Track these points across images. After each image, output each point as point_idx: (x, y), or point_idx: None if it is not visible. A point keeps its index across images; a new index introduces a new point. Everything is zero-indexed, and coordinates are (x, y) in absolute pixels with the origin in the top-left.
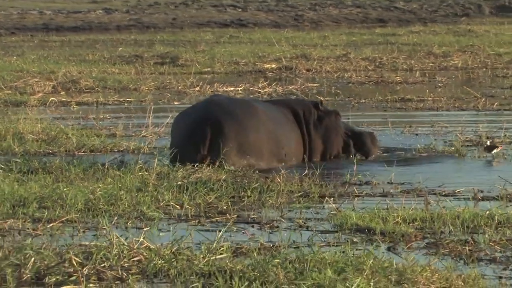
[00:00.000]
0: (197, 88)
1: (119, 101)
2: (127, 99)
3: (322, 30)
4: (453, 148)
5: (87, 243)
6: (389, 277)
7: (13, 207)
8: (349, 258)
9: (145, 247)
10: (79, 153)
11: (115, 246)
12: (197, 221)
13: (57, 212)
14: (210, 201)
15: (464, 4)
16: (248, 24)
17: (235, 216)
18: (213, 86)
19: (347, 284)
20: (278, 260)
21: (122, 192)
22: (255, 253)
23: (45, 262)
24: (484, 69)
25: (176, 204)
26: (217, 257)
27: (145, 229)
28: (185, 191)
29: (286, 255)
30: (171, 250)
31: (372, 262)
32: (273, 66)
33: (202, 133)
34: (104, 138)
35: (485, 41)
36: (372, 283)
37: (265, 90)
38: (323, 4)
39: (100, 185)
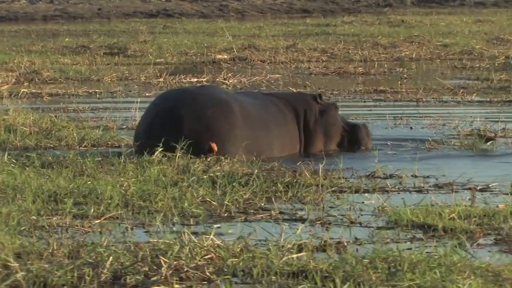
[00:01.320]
0: (161, 79)
1: (89, 92)
2: (96, 90)
3: (249, 20)
4: (466, 142)
5: (154, 240)
6: (487, 277)
7: (45, 203)
8: (439, 257)
9: (214, 245)
10: (81, 147)
11: (187, 244)
12: (243, 218)
13: (95, 208)
14: (245, 197)
15: None
16: (174, 14)
17: (277, 212)
18: (176, 77)
19: (456, 286)
20: (367, 260)
21: (154, 187)
22: (331, 251)
23: (121, 261)
24: (438, 60)
25: (212, 200)
26: (298, 255)
27: (215, 226)
28: (217, 186)
29: (377, 253)
30: (240, 248)
31: (460, 262)
32: (225, 56)
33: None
34: (103, 132)
35: (424, 31)
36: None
37: (230, 81)
38: None
39: (128, 180)
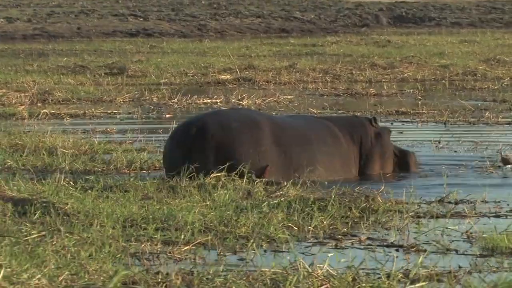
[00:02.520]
0: (175, 100)
1: (107, 113)
2: (114, 111)
3: (228, 40)
4: None
5: (266, 270)
6: None
7: (124, 229)
8: None
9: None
10: (129, 171)
11: (301, 273)
12: (334, 244)
13: (178, 234)
14: (325, 222)
15: (361, 14)
16: (154, 33)
17: (365, 238)
18: (188, 98)
19: None
20: None
21: (229, 212)
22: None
23: None
24: (443, 81)
25: (294, 225)
26: (416, 285)
27: (329, 254)
28: (295, 211)
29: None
30: (352, 277)
31: None
32: (228, 77)
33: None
34: (147, 155)
35: (414, 51)
36: None
37: (244, 102)
38: (223, 14)
39: (197, 204)
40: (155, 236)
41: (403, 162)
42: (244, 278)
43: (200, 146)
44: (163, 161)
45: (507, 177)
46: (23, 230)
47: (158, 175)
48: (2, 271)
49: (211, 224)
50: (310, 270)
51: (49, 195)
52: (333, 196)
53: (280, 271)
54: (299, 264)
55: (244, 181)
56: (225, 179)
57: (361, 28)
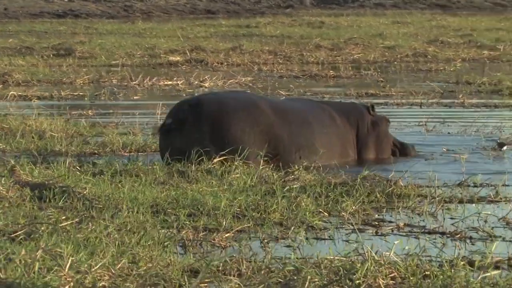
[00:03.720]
0: (136, 82)
1: (73, 95)
2: (80, 93)
3: (155, 21)
4: None
5: (330, 257)
6: None
7: (154, 214)
8: None
9: (392, 262)
10: (125, 153)
11: (370, 261)
12: (374, 231)
13: (211, 221)
14: (354, 207)
15: None
16: (81, 14)
17: (403, 224)
18: (148, 79)
19: None
20: None
21: (255, 197)
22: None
23: (314, 280)
24: (395, 62)
25: (324, 211)
26: (492, 273)
27: (396, 242)
28: (321, 197)
29: None
30: (415, 264)
31: None
32: (178, 58)
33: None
34: (140, 137)
35: (352, 33)
36: None
37: (206, 84)
38: None
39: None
40: (187, 222)
41: (403, 154)
42: (315, 266)
43: (195, 122)
44: (159, 140)
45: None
46: (51, 216)
47: (157, 158)
48: (69, 262)
49: (242, 210)
50: (377, 258)
51: (65, 179)
52: (358, 181)
53: (346, 259)
54: (367, 252)
55: (253, 165)
56: (230, 163)
57: (285, 9)
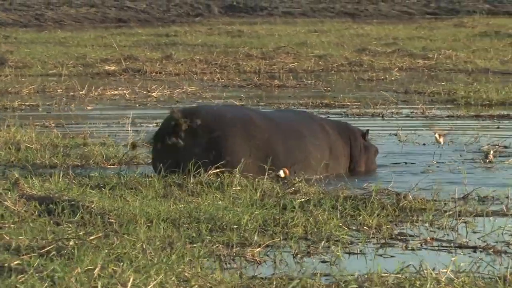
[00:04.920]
0: (83, 92)
1: (25, 105)
2: (32, 104)
3: (67, 30)
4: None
5: (387, 274)
6: None
7: (175, 229)
8: None
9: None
10: (108, 165)
11: (429, 279)
12: (404, 245)
13: (236, 235)
14: (374, 222)
15: (193, 4)
16: None
17: (430, 238)
18: (97, 89)
19: None
20: None
21: (272, 211)
22: None
23: None
24: (332, 71)
25: (347, 226)
26: None
27: (452, 259)
28: (337, 210)
29: None
30: (470, 282)
31: None
32: (114, 67)
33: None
34: (122, 149)
35: (275, 41)
36: None
37: (153, 94)
38: (57, 3)
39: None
40: (210, 237)
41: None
42: (372, 284)
43: (192, 134)
44: (152, 151)
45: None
46: (69, 231)
47: (146, 169)
48: (130, 280)
49: (264, 225)
50: (434, 275)
51: (68, 193)
52: (373, 195)
53: (401, 276)
54: (425, 269)
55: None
56: (226, 176)
57: (195, 17)
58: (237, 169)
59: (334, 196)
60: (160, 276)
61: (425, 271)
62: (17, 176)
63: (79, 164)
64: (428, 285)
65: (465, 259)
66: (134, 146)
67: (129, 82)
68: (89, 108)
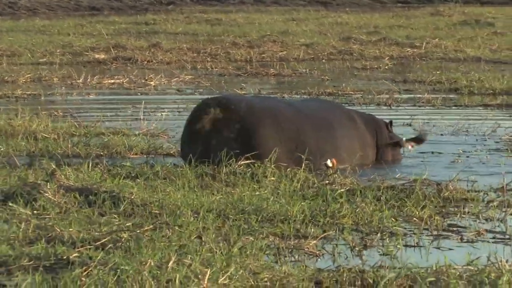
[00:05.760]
0: (80, 80)
1: (27, 94)
2: (33, 93)
3: (42, 18)
4: None
5: (458, 266)
6: None
7: (224, 221)
8: None
9: None
10: (131, 155)
11: (504, 271)
12: (459, 237)
13: (287, 227)
14: (420, 213)
15: None
16: None
17: (483, 230)
18: (93, 77)
19: None
20: None
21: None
22: None
23: None
24: (323, 60)
25: (393, 218)
26: None
27: None
28: (382, 202)
29: None
30: None
31: None
32: (104, 56)
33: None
34: (143, 138)
35: (257, 30)
36: None
37: (151, 83)
38: None
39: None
40: (257, 228)
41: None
42: (443, 275)
43: (223, 124)
44: (182, 139)
45: None
46: (116, 223)
47: (172, 159)
48: (207, 273)
49: (314, 216)
50: (508, 267)
51: (105, 184)
52: (417, 185)
53: (473, 268)
54: (500, 262)
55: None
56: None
57: (167, 5)
58: (269, 159)
59: (375, 186)
60: (231, 269)
61: (499, 263)
62: (54, 166)
63: (101, 154)
64: (504, 278)
65: None
66: None
67: (122, 70)
68: (91, 96)
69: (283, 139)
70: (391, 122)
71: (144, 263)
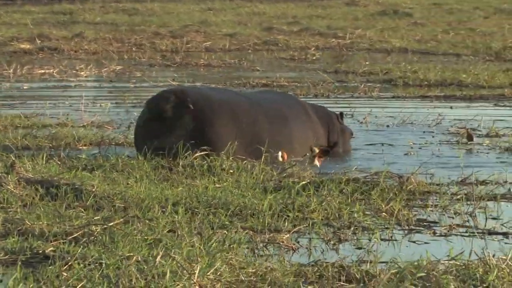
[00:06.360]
0: (10, 71)
1: None
2: None
3: None
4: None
5: (444, 261)
6: None
7: (192, 215)
8: None
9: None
10: (80, 146)
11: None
12: (431, 232)
13: (259, 222)
14: (386, 207)
15: None
16: None
17: (454, 224)
18: (22, 67)
19: None
20: None
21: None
22: None
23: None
24: (249, 50)
25: (363, 212)
26: None
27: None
28: (345, 195)
29: None
30: None
31: None
32: (29, 46)
33: None
34: (90, 129)
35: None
36: None
37: (82, 73)
38: None
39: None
40: (227, 222)
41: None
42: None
43: (179, 116)
44: (136, 131)
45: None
46: (83, 216)
47: (125, 151)
48: (197, 267)
49: (282, 210)
50: (495, 263)
51: (66, 176)
52: (382, 179)
53: (459, 263)
54: (488, 257)
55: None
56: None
57: None
58: (225, 151)
59: (337, 179)
60: (217, 264)
61: (487, 258)
62: (13, 159)
63: (51, 145)
64: (494, 273)
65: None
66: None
67: (50, 60)
68: (25, 87)
69: (239, 131)
70: (341, 114)
71: (125, 257)
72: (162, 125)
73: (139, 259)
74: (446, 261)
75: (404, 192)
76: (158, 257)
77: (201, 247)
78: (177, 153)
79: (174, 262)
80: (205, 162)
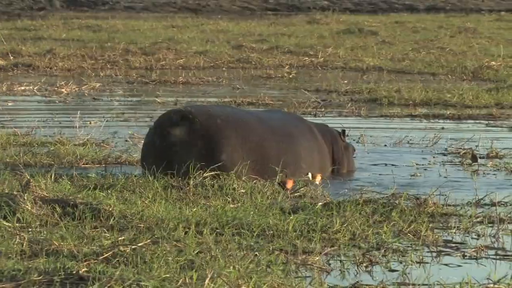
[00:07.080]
0: None
1: None
2: None
3: None
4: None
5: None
6: None
7: (218, 235)
8: None
9: None
10: (82, 165)
11: None
12: (460, 254)
13: (285, 243)
14: (409, 228)
15: None
16: None
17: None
18: (2, 83)
19: None
20: None
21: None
22: None
23: None
24: (223, 68)
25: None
26: None
27: None
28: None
29: None
30: None
31: None
32: (1, 62)
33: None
34: (91, 147)
35: (142, 37)
36: None
37: (63, 90)
38: None
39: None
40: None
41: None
42: None
43: (187, 136)
44: (143, 150)
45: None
46: (107, 237)
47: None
48: None
49: (309, 231)
50: None
51: (84, 195)
52: (401, 200)
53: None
54: None
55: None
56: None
57: (38, 11)
58: (235, 171)
59: (353, 200)
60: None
61: None
62: (28, 177)
63: (53, 163)
64: None
65: None
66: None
67: (26, 77)
68: (10, 104)
69: (246, 151)
70: (344, 131)
71: (164, 278)
72: (171, 145)
73: (186, 281)
74: (491, 285)
75: (424, 214)
76: (207, 280)
77: (240, 269)
78: (186, 173)
79: (220, 282)
80: (215, 181)
